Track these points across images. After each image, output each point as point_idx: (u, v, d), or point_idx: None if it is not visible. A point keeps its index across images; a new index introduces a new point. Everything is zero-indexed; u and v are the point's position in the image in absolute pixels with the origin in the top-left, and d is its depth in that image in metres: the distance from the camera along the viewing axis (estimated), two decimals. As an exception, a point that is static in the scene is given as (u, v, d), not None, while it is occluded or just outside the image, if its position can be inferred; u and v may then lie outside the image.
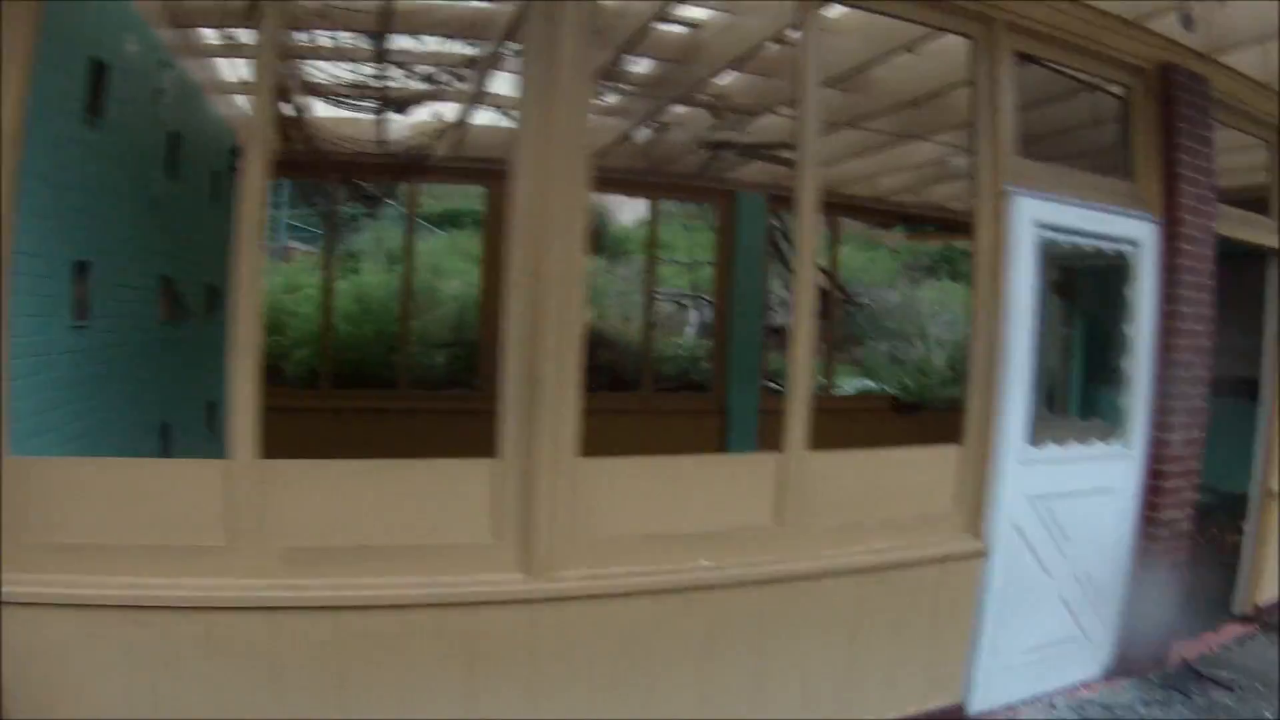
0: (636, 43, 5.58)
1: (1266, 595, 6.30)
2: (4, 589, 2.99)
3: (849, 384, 11.65)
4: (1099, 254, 5.04)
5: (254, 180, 3.33)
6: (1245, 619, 6.21)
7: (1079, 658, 5.08)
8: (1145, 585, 5.15)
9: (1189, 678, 5.30)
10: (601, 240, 13.45)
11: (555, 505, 3.53)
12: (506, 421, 3.49)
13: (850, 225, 10.42)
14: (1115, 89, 5.24)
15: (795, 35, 4.27)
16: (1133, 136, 5.18)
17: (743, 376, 8.17)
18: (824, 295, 11.50)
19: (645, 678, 3.75)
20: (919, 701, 4.44)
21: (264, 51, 3.54)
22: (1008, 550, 4.58)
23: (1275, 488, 6.15)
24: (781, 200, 8.76)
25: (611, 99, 6.80)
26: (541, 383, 3.48)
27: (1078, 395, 8.16)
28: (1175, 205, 5.11)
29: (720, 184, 8.24)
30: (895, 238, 11.18)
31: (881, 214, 9.77)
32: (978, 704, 4.64)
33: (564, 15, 3.52)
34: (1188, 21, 5.04)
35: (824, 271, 11.89)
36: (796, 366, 4.00)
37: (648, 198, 8.90)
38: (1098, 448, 4.99)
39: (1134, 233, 5.01)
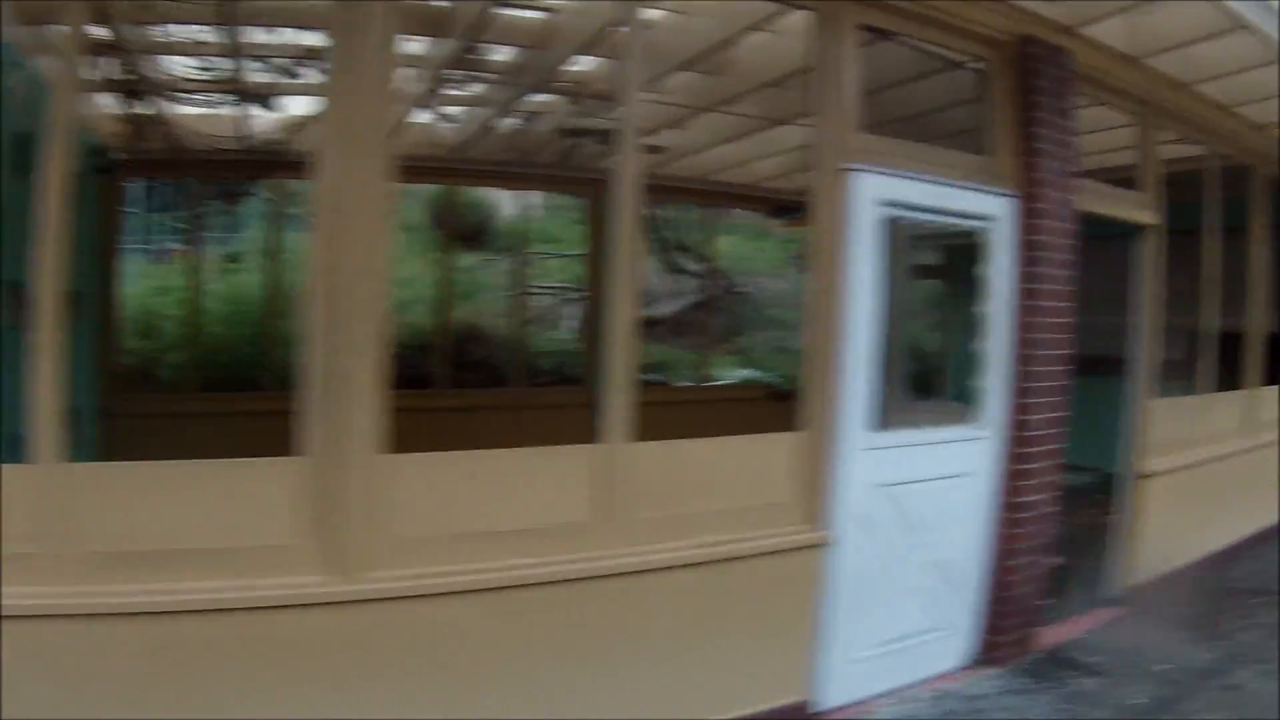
0: (482, 29, 5.29)
1: (1140, 577, 6.22)
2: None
3: (731, 374, 11.49)
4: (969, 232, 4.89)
5: (53, 178, 3.14)
6: (1117, 601, 6.12)
7: (940, 648, 4.94)
8: (1008, 571, 5.03)
9: (1056, 664, 5.18)
10: (483, 234, 13.15)
11: (361, 505, 3.31)
12: (308, 418, 3.28)
13: (737, 215, 10.23)
14: (973, 63, 5.08)
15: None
16: (991, 111, 5.02)
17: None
18: (704, 285, 11.40)
19: (463, 681, 3.53)
20: (762, 699, 4.24)
21: (71, 46, 3.32)
22: (854, 540, 4.40)
23: (1145, 469, 6.07)
24: (653, 190, 8.53)
25: (472, 88, 6.52)
26: (341, 378, 3.27)
27: (954, 378, 8.03)
28: (1034, 180, 4.97)
29: (589, 174, 7.97)
30: (781, 226, 11.02)
31: (752, 200, 9.58)
32: (829, 699, 4.46)
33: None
34: (1051, -9, 4.89)
35: (704, 261, 11.80)
36: (615, 355, 3.79)
37: (516, 189, 8.64)
38: (952, 431, 4.84)
39: (990, 209, 4.86)
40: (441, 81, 6.21)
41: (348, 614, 3.30)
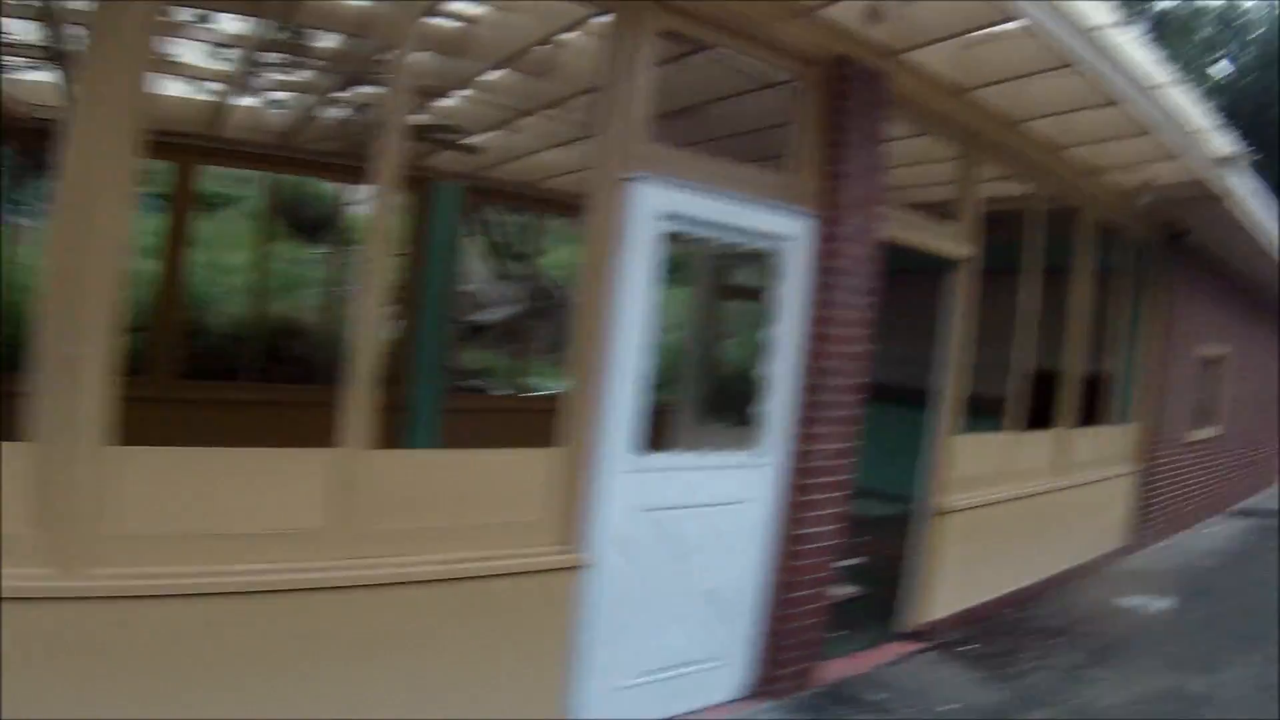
0: (293, 12, 4.97)
1: (935, 613, 6.16)
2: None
3: (552, 384, 11.26)
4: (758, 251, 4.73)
5: None
6: (911, 636, 6.05)
7: (713, 679, 4.75)
8: (787, 603, 4.88)
9: (836, 700, 5.05)
10: (325, 227, 12.69)
11: (87, 497, 3.01)
12: (37, 404, 2.95)
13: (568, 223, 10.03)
14: (784, 80, 4.93)
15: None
16: (798, 130, 4.88)
17: (428, 373, 7.67)
18: (533, 293, 11.16)
19: (181, 690, 3.20)
20: (508, 728, 3.98)
21: None
22: (616, 565, 4.18)
23: (944, 505, 6.01)
24: (483, 192, 8.30)
25: (298, 74, 6.18)
26: (70, 363, 2.96)
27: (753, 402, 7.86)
28: (836, 202, 4.84)
29: (414, 171, 7.64)
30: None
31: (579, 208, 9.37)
32: (585, 730, 4.22)
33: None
34: (874, 15, 4.77)
35: (533, 268, 11.56)
36: (359, 357, 3.49)
37: (339, 182, 8.27)
38: (729, 457, 4.67)
39: (786, 229, 4.71)
40: (258, 64, 5.85)
41: (71, 611, 3.00)
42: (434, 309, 7.84)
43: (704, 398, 6.09)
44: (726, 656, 4.78)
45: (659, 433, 5.22)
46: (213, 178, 14.38)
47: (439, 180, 7.80)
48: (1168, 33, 38.36)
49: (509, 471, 3.97)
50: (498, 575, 3.83)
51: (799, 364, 4.79)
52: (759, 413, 4.76)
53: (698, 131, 5.74)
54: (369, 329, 3.51)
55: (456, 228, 8.10)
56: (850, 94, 4.88)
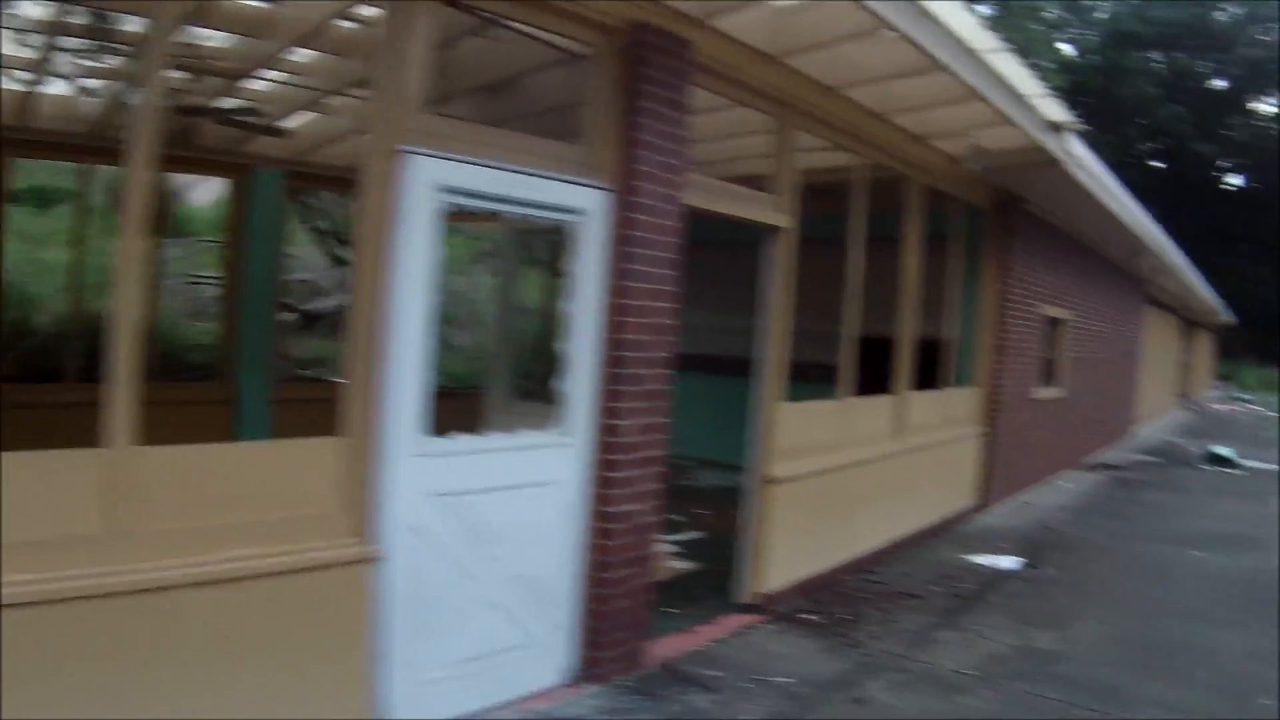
0: None
1: (773, 583, 6.14)
2: None
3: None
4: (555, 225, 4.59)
5: None
6: (748, 609, 6.01)
7: (532, 665, 4.60)
8: (604, 584, 4.76)
9: (668, 680, 4.95)
10: (164, 219, 12.20)
11: None
12: None
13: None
14: (580, 49, 4.78)
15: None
16: (595, 100, 4.73)
17: (254, 364, 7.37)
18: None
19: None
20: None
21: None
22: (412, 554, 4.00)
23: (773, 474, 5.98)
24: (304, 177, 8.00)
25: (108, 60, 5.82)
26: None
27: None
28: (635, 173, 4.72)
29: (230, 157, 7.33)
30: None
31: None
32: (397, 724, 4.04)
33: None
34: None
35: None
36: (119, 350, 3.24)
37: (162, 172, 7.85)
38: (530, 437, 4.53)
39: (580, 201, 4.58)
40: (58, 49, 5.49)
41: None
42: (258, 298, 7.52)
43: (513, 377, 5.92)
44: (545, 642, 4.64)
45: (466, 415, 5.08)
46: (49, 172, 13.78)
47: (257, 166, 7.48)
48: (1015, 11, 39.71)
49: (297, 463, 3.75)
50: (288, 572, 3.61)
51: (600, 339, 4.67)
52: (561, 391, 4.63)
53: (493, 106, 5.59)
54: (128, 319, 3.27)
55: (279, 215, 7.79)
56: (651, 62, 4.76)
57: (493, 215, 4.58)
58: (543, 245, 7.26)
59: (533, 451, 4.50)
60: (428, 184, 3.95)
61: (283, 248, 8.04)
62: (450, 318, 11.84)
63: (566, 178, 4.52)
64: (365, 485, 3.87)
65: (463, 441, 4.23)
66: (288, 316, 10.69)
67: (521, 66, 5.32)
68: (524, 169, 4.35)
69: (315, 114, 6.79)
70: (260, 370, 7.37)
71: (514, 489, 4.40)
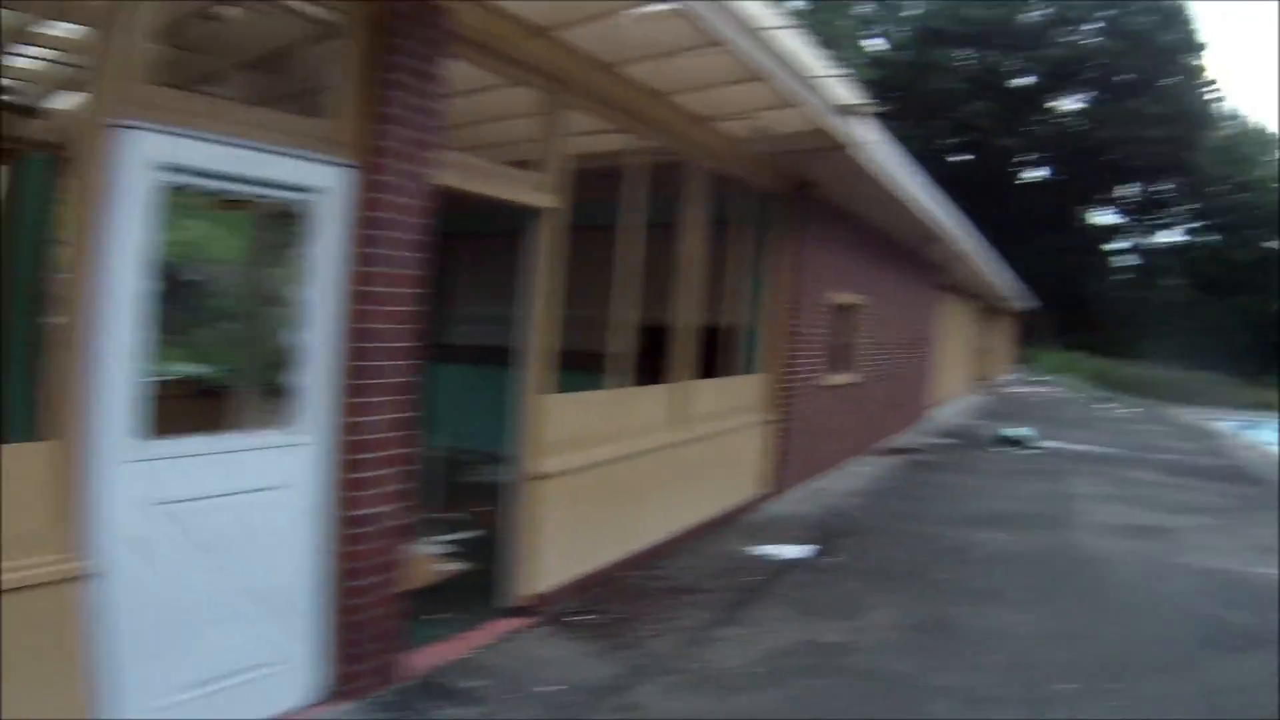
0: None
1: (543, 584, 5.90)
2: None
3: (170, 369, 10.38)
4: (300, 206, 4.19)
5: None
6: (517, 612, 5.74)
7: (276, 684, 4.22)
8: (351, 593, 4.42)
9: (426, 693, 4.64)
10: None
11: None
12: None
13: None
14: (325, 17, 4.38)
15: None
16: (341, 72, 4.35)
17: (21, 361, 6.64)
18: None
19: None
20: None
21: None
22: (132, 569, 3.57)
23: (539, 469, 5.74)
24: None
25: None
26: None
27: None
28: (380, 149, 4.37)
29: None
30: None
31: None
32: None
33: None
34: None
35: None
36: None
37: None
38: (262, 437, 4.15)
39: (317, 179, 4.20)
40: None
41: None
42: (26, 293, 6.76)
43: (259, 372, 5.48)
44: (289, 658, 4.27)
45: (214, 415, 4.67)
46: None
47: (26, 152, 6.71)
48: (825, 6, 40.83)
49: (4, 471, 3.27)
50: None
51: (338, 329, 4.32)
52: (296, 386, 4.25)
53: (248, 83, 5.15)
54: None
55: (46, 204, 7.02)
56: (401, 32, 4.42)
57: (221, 195, 4.13)
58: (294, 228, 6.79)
59: (264, 453, 4.11)
60: (146, 161, 3.53)
61: (52, 238, 7.26)
62: (220, 310, 11.15)
63: (304, 154, 4.14)
64: (76, 495, 3.42)
65: (187, 444, 3.82)
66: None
67: (278, 42, 4.89)
68: (258, 145, 3.95)
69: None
70: (27, 369, 6.64)
71: (245, 494, 4.01)
